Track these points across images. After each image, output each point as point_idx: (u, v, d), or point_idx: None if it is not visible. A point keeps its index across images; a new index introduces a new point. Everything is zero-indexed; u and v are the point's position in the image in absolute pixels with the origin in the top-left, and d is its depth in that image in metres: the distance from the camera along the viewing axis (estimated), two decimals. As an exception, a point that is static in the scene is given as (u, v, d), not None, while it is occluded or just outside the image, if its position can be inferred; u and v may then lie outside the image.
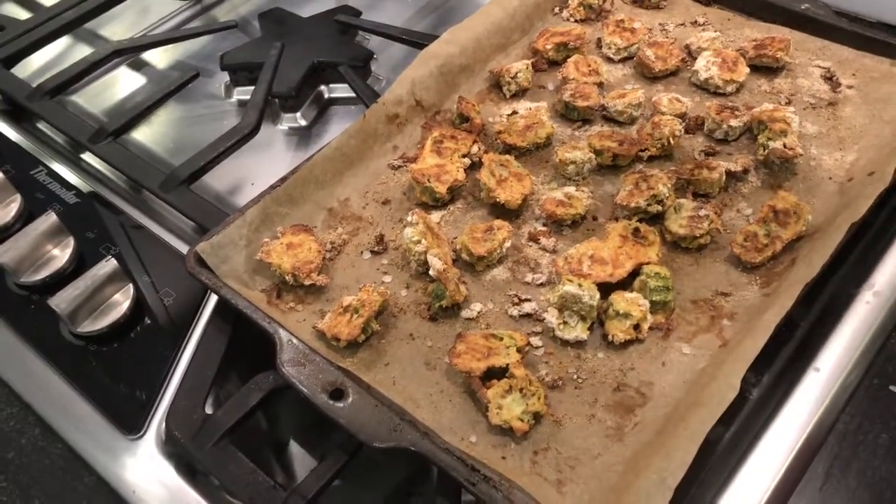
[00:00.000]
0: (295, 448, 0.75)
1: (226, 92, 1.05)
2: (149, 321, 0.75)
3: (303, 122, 0.99)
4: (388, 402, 0.63)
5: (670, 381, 0.63)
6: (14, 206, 0.84)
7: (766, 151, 0.76)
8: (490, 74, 0.89)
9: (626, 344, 0.65)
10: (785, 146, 0.75)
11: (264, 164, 0.94)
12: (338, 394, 0.62)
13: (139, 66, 1.11)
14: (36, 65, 1.11)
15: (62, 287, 0.73)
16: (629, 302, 0.65)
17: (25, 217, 0.84)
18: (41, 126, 0.98)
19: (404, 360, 0.67)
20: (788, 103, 0.83)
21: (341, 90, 1.02)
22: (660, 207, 0.73)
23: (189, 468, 0.66)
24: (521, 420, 0.60)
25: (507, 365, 0.63)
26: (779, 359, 0.66)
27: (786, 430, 0.62)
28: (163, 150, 0.97)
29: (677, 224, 0.71)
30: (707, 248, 0.72)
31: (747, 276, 0.69)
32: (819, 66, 0.86)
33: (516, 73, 0.86)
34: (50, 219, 0.79)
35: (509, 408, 0.60)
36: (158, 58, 1.12)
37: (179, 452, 0.66)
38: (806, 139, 0.79)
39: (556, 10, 0.98)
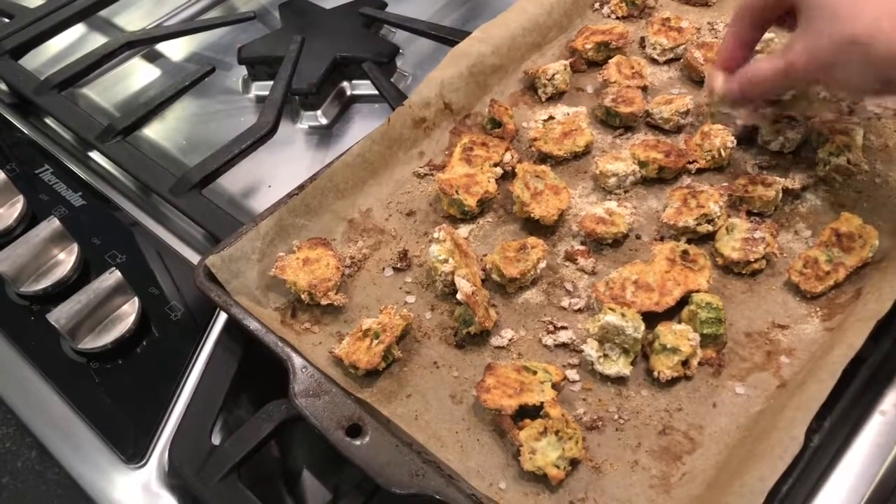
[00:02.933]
0: (308, 478, 0.69)
1: (243, 86, 1.00)
2: (155, 337, 0.70)
3: (323, 121, 0.94)
4: (409, 439, 0.57)
5: (722, 426, 0.57)
6: (17, 207, 0.80)
7: (828, 168, 0.69)
8: (525, 75, 0.83)
9: (673, 381, 0.59)
10: (849, 162, 0.68)
11: (282, 164, 0.89)
12: (355, 430, 0.57)
13: (153, 57, 1.06)
14: (46, 56, 1.06)
15: (65, 297, 0.68)
16: (677, 335, 0.59)
17: (28, 220, 0.80)
18: (48, 121, 0.93)
19: (428, 391, 0.61)
20: (850, 113, 0.76)
21: (365, 87, 0.96)
22: (710, 227, 0.66)
23: (194, 502, 0.61)
24: (557, 467, 0.54)
25: (542, 403, 0.57)
26: (841, 400, 0.60)
27: (849, 480, 0.56)
28: (175, 148, 0.92)
29: (730, 247, 0.65)
30: (762, 273, 0.65)
31: (807, 307, 0.63)
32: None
33: (553, 75, 0.80)
34: (53, 224, 0.74)
35: (544, 452, 0.55)
36: (173, 49, 1.07)
37: (182, 485, 0.61)
38: (870, 153, 0.72)
39: (597, 5, 0.91)
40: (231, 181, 0.86)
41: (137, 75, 1.03)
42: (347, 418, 0.57)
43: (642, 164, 0.72)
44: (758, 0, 0.66)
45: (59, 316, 0.66)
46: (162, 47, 1.06)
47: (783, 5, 0.64)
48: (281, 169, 0.88)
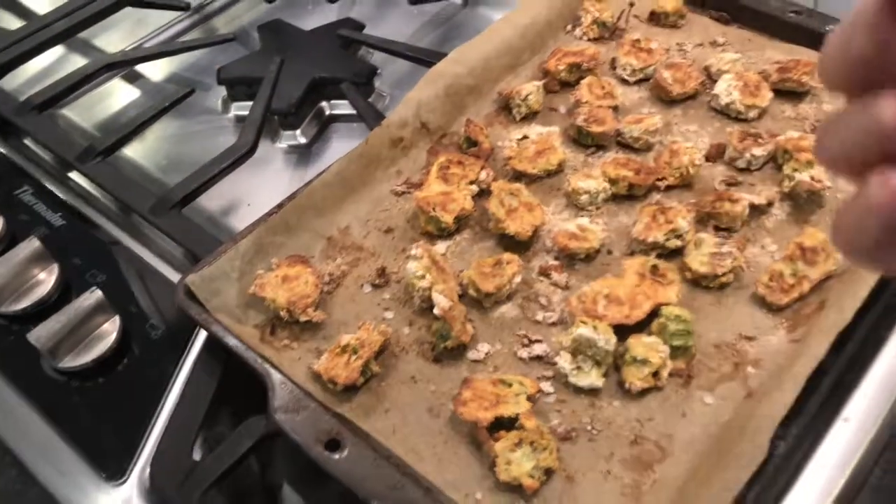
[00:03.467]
0: (289, 492, 0.70)
1: (223, 107, 1.01)
2: (135, 356, 0.70)
3: (302, 140, 0.95)
4: (387, 453, 0.58)
5: (692, 434, 0.58)
6: (-4, 228, 0.80)
7: (793, 184, 0.72)
8: (499, 96, 0.85)
9: (644, 392, 0.61)
10: (812, 179, 0.71)
11: (261, 183, 0.90)
12: (334, 444, 0.58)
13: (133, 78, 1.07)
14: (25, 77, 1.06)
15: (45, 317, 0.69)
16: (647, 347, 0.61)
17: (8, 240, 0.80)
18: (27, 142, 0.94)
19: (406, 406, 0.62)
20: (814, 130, 0.78)
21: (343, 107, 0.98)
22: (679, 242, 0.68)
23: (175, 518, 0.62)
24: (532, 477, 0.55)
25: (517, 415, 0.58)
26: (805, 409, 0.62)
27: (814, 486, 0.57)
28: (155, 168, 0.93)
29: (698, 261, 0.67)
30: (729, 286, 0.67)
31: (773, 319, 0.65)
32: None
33: (527, 96, 0.82)
34: (33, 244, 0.74)
35: (519, 463, 0.56)
36: (153, 70, 1.08)
37: (163, 502, 0.62)
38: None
39: (569, 28, 0.93)
40: (210, 200, 0.87)
41: (117, 96, 1.04)
42: (326, 433, 0.58)
43: (613, 182, 0.74)
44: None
45: (40, 335, 0.67)
46: (142, 68, 1.07)
47: None
48: (260, 187, 0.89)
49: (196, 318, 0.66)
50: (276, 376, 0.61)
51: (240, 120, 0.98)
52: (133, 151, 0.95)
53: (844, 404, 0.61)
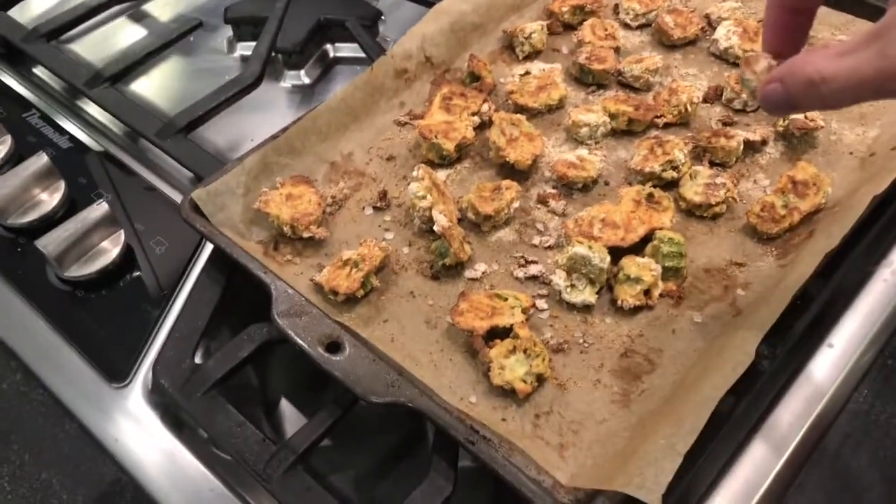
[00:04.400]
0: (286, 407, 0.72)
1: (228, 46, 1.02)
2: (139, 269, 0.72)
3: (306, 80, 0.96)
4: (386, 358, 0.60)
5: (680, 349, 0.60)
6: (3, 147, 0.81)
7: (786, 122, 0.73)
8: (503, 34, 0.86)
9: (636, 310, 0.63)
10: (806, 117, 0.72)
11: (265, 120, 0.91)
12: (334, 347, 0.59)
13: (140, 17, 1.08)
14: (33, 9, 1.07)
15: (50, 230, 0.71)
16: (640, 266, 0.63)
17: (15, 160, 0.81)
18: (36, 70, 0.95)
19: (404, 317, 0.64)
20: (810, 77, 0.80)
21: (347, 49, 0.99)
22: (675, 174, 0.70)
23: (175, 419, 0.64)
24: (524, 381, 0.57)
25: (512, 325, 0.60)
26: (792, 333, 0.64)
27: (797, 405, 0.60)
28: (161, 102, 0.94)
29: (692, 191, 0.69)
30: (722, 217, 0.69)
31: (763, 247, 0.67)
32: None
33: (530, 34, 0.83)
34: (41, 160, 0.76)
35: (512, 368, 0.58)
36: (160, 10, 1.09)
37: (166, 402, 0.64)
38: (827, 113, 0.76)
39: (574, -27, 0.95)
40: (215, 134, 0.88)
41: (124, 33, 1.05)
42: (327, 336, 0.60)
43: (613, 117, 0.75)
44: None
45: (48, 242, 0.68)
46: (149, 7, 1.08)
47: None
48: (263, 125, 0.90)
49: (201, 230, 0.67)
50: (278, 284, 0.63)
51: (245, 59, 0.99)
52: (139, 86, 0.96)
53: (830, 331, 0.63)
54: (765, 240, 0.67)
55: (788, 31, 0.51)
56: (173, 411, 0.64)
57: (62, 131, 0.85)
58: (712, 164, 0.73)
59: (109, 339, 0.67)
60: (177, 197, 0.78)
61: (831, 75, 0.43)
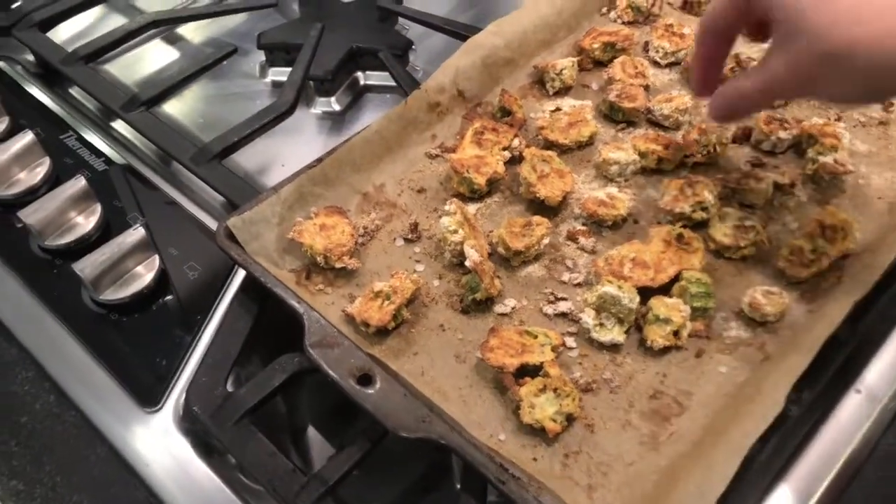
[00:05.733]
0: (313, 434, 0.73)
1: (260, 72, 1.03)
2: (172, 294, 0.73)
3: (336, 108, 0.98)
4: (416, 392, 0.61)
5: (709, 392, 0.61)
6: (42, 169, 0.83)
7: (816, 166, 0.74)
8: (534, 70, 0.87)
9: (664, 350, 0.63)
10: (836, 161, 0.73)
11: (295, 146, 0.93)
12: (366, 380, 0.60)
13: (174, 40, 1.10)
14: (71, 31, 1.09)
15: (86, 253, 0.72)
16: (670, 307, 0.63)
17: (53, 181, 0.83)
18: (73, 92, 0.97)
19: (434, 351, 0.65)
20: (838, 119, 0.81)
21: (377, 77, 1.00)
22: (704, 215, 0.71)
23: (205, 446, 0.64)
24: (554, 420, 0.58)
25: (542, 363, 0.61)
26: (821, 378, 0.64)
27: (824, 451, 0.60)
28: (193, 126, 0.96)
29: (722, 233, 0.69)
30: (751, 259, 0.70)
31: (791, 292, 0.67)
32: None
33: (561, 70, 0.84)
34: (79, 183, 0.77)
35: (542, 407, 0.58)
36: (193, 33, 1.11)
37: (197, 429, 0.65)
38: (856, 157, 0.77)
39: (604, 10, 0.96)
40: (246, 159, 0.89)
41: (158, 55, 1.07)
42: (359, 368, 0.61)
43: (643, 155, 0.76)
44: (719, 15, 0.63)
45: (85, 266, 0.70)
46: (183, 30, 1.10)
47: (748, 19, 0.62)
48: (294, 150, 0.92)
49: (236, 258, 0.68)
50: (311, 314, 0.64)
51: (276, 85, 1.01)
52: (172, 109, 0.98)
53: (858, 376, 0.63)
54: (793, 283, 0.67)
55: (716, 62, 0.68)
56: (204, 438, 0.64)
57: (98, 153, 0.87)
58: (741, 206, 0.73)
59: (141, 363, 0.68)
60: (209, 222, 0.79)
61: (755, 90, 0.61)
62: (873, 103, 0.80)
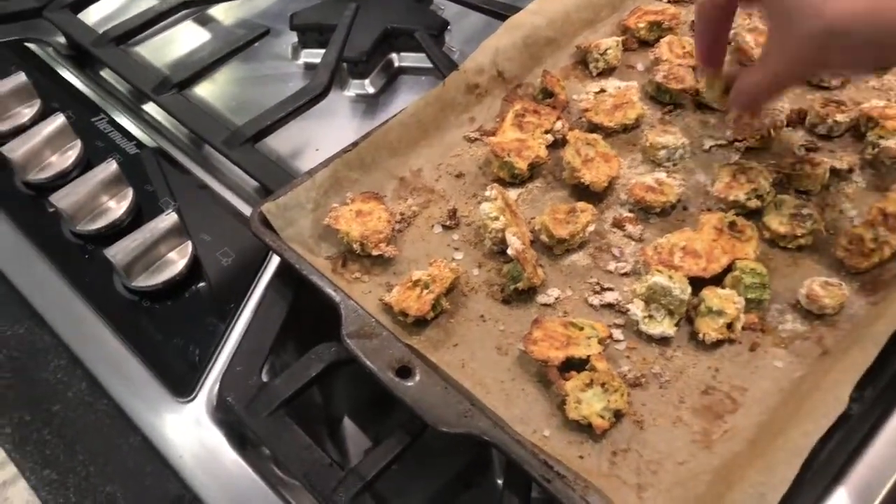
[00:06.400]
0: (349, 426, 0.71)
1: (293, 53, 1.01)
2: (205, 281, 0.71)
3: (371, 90, 0.95)
4: (456, 385, 0.59)
5: (764, 388, 0.58)
6: (73, 152, 0.81)
7: (877, 150, 0.70)
8: (577, 50, 0.84)
9: (717, 344, 0.60)
10: (898, 145, 0.69)
11: (329, 129, 0.91)
12: (405, 372, 0.58)
13: (205, 21, 1.08)
14: (102, 13, 1.08)
15: (118, 238, 0.70)
16: (723, 299, 0.60)
17: (84, 165, 0.82)
18: (104, 74, 0.96)
19: (474, 342, 0.62)
20: (900, 100, 0.77)
21: (412, 59, 0.98)
22: (760, 203, 0.67)
23: (239, 437, 0.63)
24: (602, 417, 0.55)
25: (588, 357, 0.58)
26: (882, 374, 0.61)
27: (886, 452, 0.57)
28: (225, 108, 0.94)
29: (777, 221, 0.66)
30: (807, 249, 0.66)
31: (850, 283, 0.64)
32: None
33: (606, 50, 0.81)
34: (110, 167, 0.76)
35: (589, 403, 0.56)
36: (225, 14, 1.09)
37: (230, 420, 0.63)
38: (918, 140, 0.73)
39: (649, -13, 0.92)
40: (279, 142, 0.87)
41: (190, 37, 1.05)
42: (398, 360, 0.59)
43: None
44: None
45: (117, 252, 0.68)
46: (214, 11, 1.08)
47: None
48: (327, 133, 0.90)
49: (271, 244, 0.66)
50: (348, 303, 0.62)
51: (309, 67, 0.99)
52: (204, 91, 0.96)
53: (922, 373, 0.60)
54: (852, 274, 0.64)
55: (718, 37, 0.69)
56: (238, 429, 0.63)
57: (130, 137, 0.85)
58: (796, 193, 0.70)
59: (174, 352, 0.67)
60: (242, 207, 0.78)
61: (762, 84, 0.62)
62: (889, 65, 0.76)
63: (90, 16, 1.05)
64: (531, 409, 0.58)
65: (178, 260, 0.72)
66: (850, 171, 0.71)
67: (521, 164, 0.72)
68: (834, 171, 0.70)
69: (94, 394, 0.67)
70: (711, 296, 0.61)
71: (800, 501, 0.54)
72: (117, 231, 0.75)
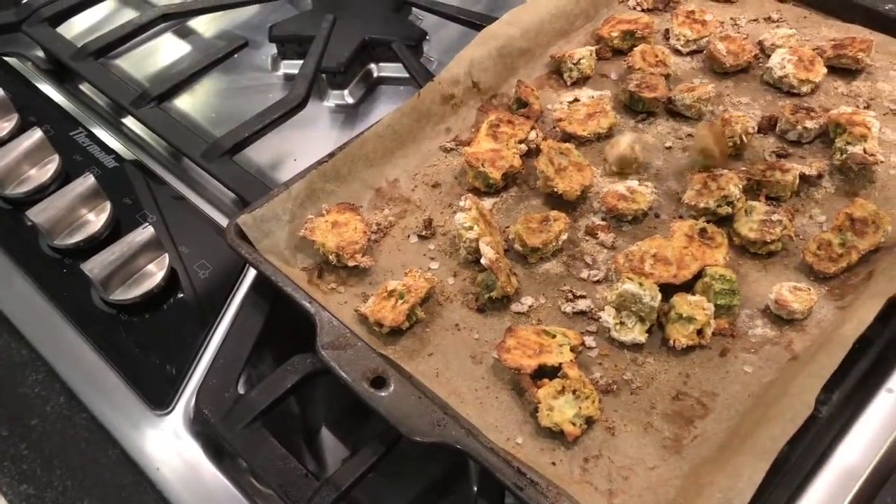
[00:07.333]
0: (326, 436, 0.71)
1: (272, 65, 1.02)
2: (183, 293, 0.72)
3: (350, 100, 0.96)
4: (430, 394, 0.59)
5: (734, 393, 0.59)
6: (52, 166, 0.82)
7: (844, 156, 0.71)
8: (551, 59, 0.85)
9: (688, 350, 0.61)
10: (865, 151, 0.70)
11: (308, 140, 0.91)
12: (379, 382, 0.58)
13: (185, 33, 1.09)
14: (81, 26, 1.08)
15: (96, 252, 0.70)
16: (693, 305, 0.61)
17: (62, 179, 0.82)
18: (83, 88, 0.96)
19: (449, 351, 0.63)
20: (867, 108, 0.78)
21: (391, 69, 0.98)
22: (730, 210, 0.68)
23: (216, 449, 0.63)
24: (573, 424, 0.56)
25: (560, 364, 0.59)
26: (850, 377, 0.62)
27: (854, 453, 0.57)
28: (204, 120, 0.94)
29: (747, 227, 0.67)
30: (777, 254, 0.67)
31: (819, 287, 0.65)
32: None
33: (579, 60, 0.82)
34: (88, 181, 0.76)
35: (561, 410, 0.56)
36: (205, 26, 1.09)
37: (208, 432, 0.63)
38: (886, 146, 0.74)
39: (623, -3, 0.93)
40: (258, 153, 0.88)
41: (169, 49, 1.06)
42: (372, 370, 0.59)
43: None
44: None
45: (94, 266, 0.68)
46: (194, 23, 1.09)
47: None
48: (306, 144, 0.90)
49: (246, 256, 0.67)
50: (323, 314, 0.62)
51: (288, 78, 0.99)
52: (183, 103, 0.96)
53: (890, 375, 0.61)
54: (821, 279, 0.65)
55: None
56: (215, 441, 0.63)
57: (108, 150, 0.85)
58: (767, 199, 0.71)
59: (152, 365, 0.67)
60: (220, 219, 0.78)
61: None
62: None
63: (69, 29, 1.05)
64: (505, 416, 0.58)
65: (155, 272, 0.72)
66: (820, 176, 0.72)
67: (496, 174, 0.72)
68: (804, 178, 0.72)
69: (71, 408, 0.67)
70: (682, 302, 0.61)
71: (772, 501, 0.55)
72: (95, 244, 0.75)
